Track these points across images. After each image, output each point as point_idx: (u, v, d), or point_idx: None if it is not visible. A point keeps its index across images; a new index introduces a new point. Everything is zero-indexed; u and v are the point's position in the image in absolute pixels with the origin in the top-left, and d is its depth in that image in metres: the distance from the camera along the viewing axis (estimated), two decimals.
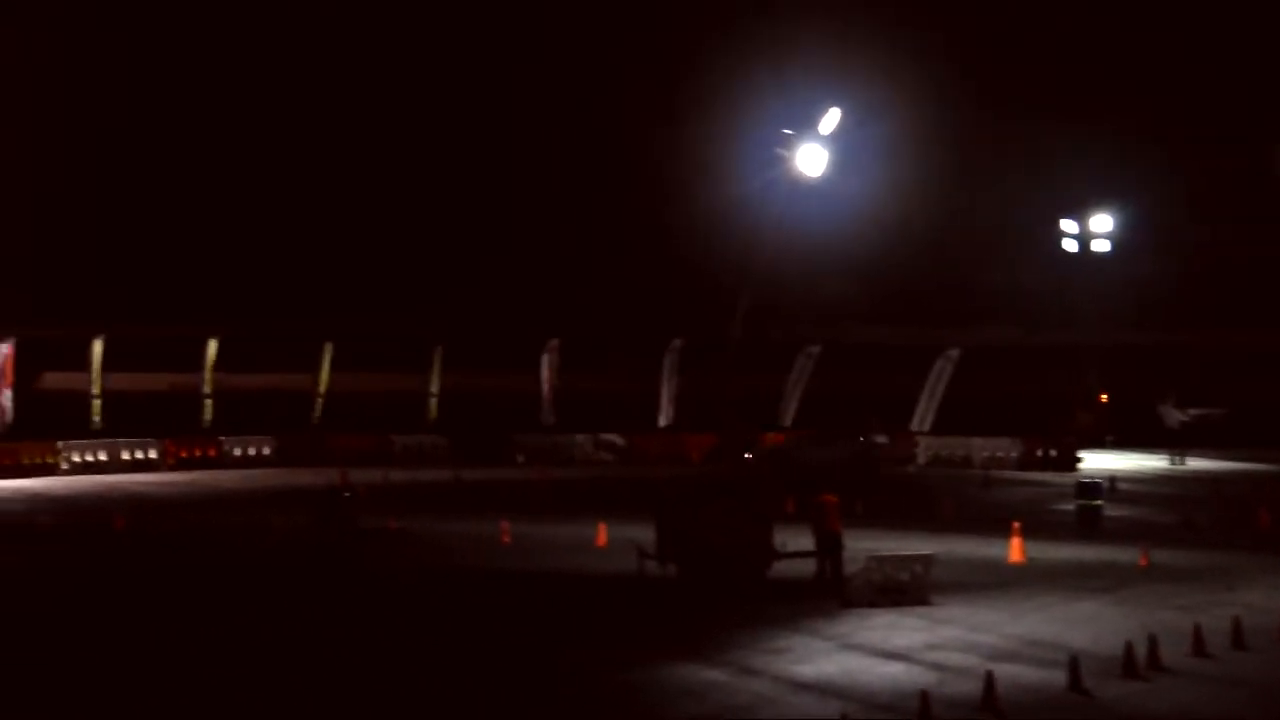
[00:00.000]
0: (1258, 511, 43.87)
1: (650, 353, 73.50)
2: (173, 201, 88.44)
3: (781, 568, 33.15)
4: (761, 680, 23.74)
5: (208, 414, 70.90)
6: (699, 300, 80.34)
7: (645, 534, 33.60)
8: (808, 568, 32.90)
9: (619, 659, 25.35)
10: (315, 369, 73.14)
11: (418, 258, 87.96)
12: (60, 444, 61.08)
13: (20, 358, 66.43)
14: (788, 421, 71.62)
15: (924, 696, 20.93)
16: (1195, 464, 66.44)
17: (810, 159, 68.07)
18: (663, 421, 72.11)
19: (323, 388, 72.96)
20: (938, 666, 24.59)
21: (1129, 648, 24.29)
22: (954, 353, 69.92)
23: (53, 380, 79.93)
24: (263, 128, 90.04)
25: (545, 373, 71.85)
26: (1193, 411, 73.90)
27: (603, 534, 39.14)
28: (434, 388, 73.49)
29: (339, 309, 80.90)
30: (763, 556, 33.22)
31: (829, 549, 32.95)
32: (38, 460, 60.55)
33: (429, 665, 25.01)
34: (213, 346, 70.84)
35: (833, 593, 30.86)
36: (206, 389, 70.89)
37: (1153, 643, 24.79)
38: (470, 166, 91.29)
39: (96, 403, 67.28)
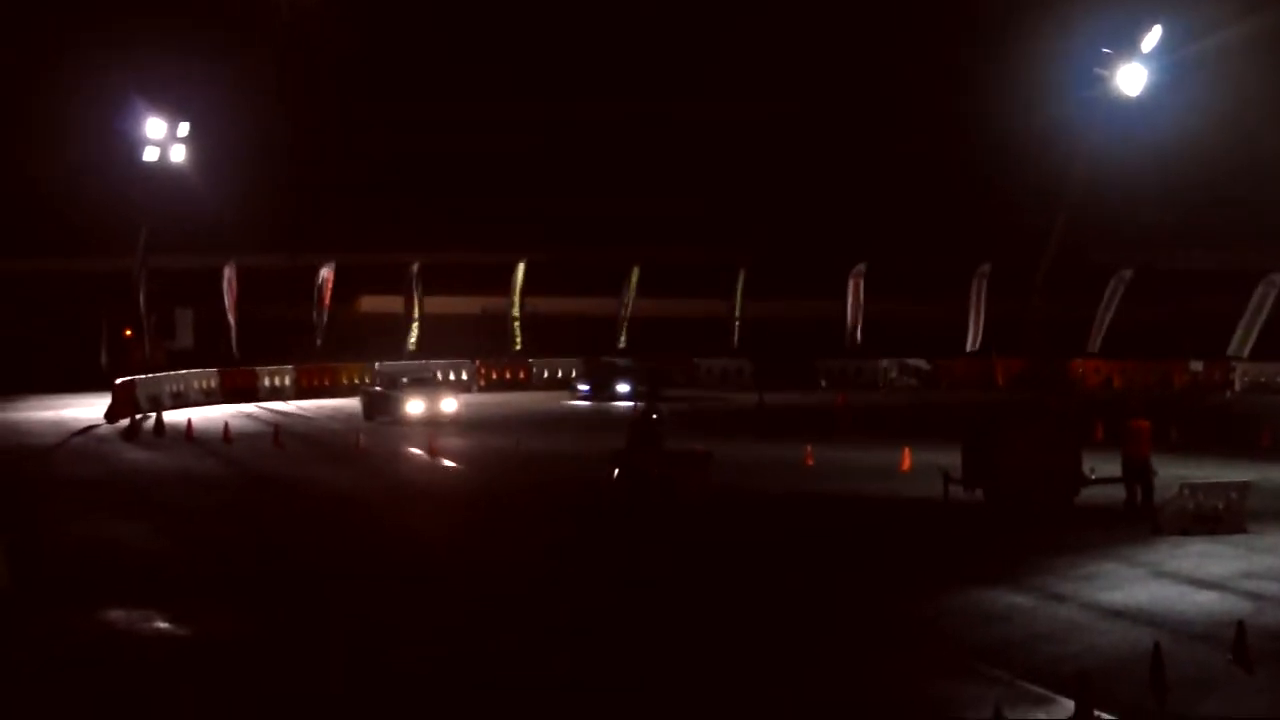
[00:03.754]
0: None
1: (958, 277, 72.54)
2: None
3: (1090, 494, 32.58)
4: (1069, 606, 23.40)
5: (517, 338, 72.31)
6: (1009, 224, 79.09)
7: (951, 459, 33.31)
8: (1117, 494, 32.25)
9: (926, 583, 25.26)
10: (621, 294, 73.95)
11: (724, 183, 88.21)
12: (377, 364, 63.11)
13: (339, 281, 68.63)
14: (1095, 348, 70.06)
15: (1240, 626, 20.37)
16: None
17: (1130, 78, 66.64)
18: (969, 346, 71.15)
19: (628, 312, 73.74)
20: (1254, 595, 23.94)
21: None
22: (1277, 277, 67.43)
23: (369, 304, 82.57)
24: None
25: (851, 297, 71.48)
26: None
27: (907, 458, 38.95)
28: (738, 312, 73.66)
29: (644, 235, 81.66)
30: (1070, 482, 32.68)
31: (1139, 475, 32.26)
32: (356, 380, 62.79)
33: (730, 588, 25.26)
34: (520, 271, 72.10)
35: (1143, 520, 30.22)
36: (515, 311, 72.25)
37: None
38: (779, 93, 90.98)
39: (413, 325, 69.12)
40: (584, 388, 62.68)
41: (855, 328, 71.24)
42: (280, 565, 27.30)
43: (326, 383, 63.03)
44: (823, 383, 67.34)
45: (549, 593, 24.84)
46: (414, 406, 52.29)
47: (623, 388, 60.74)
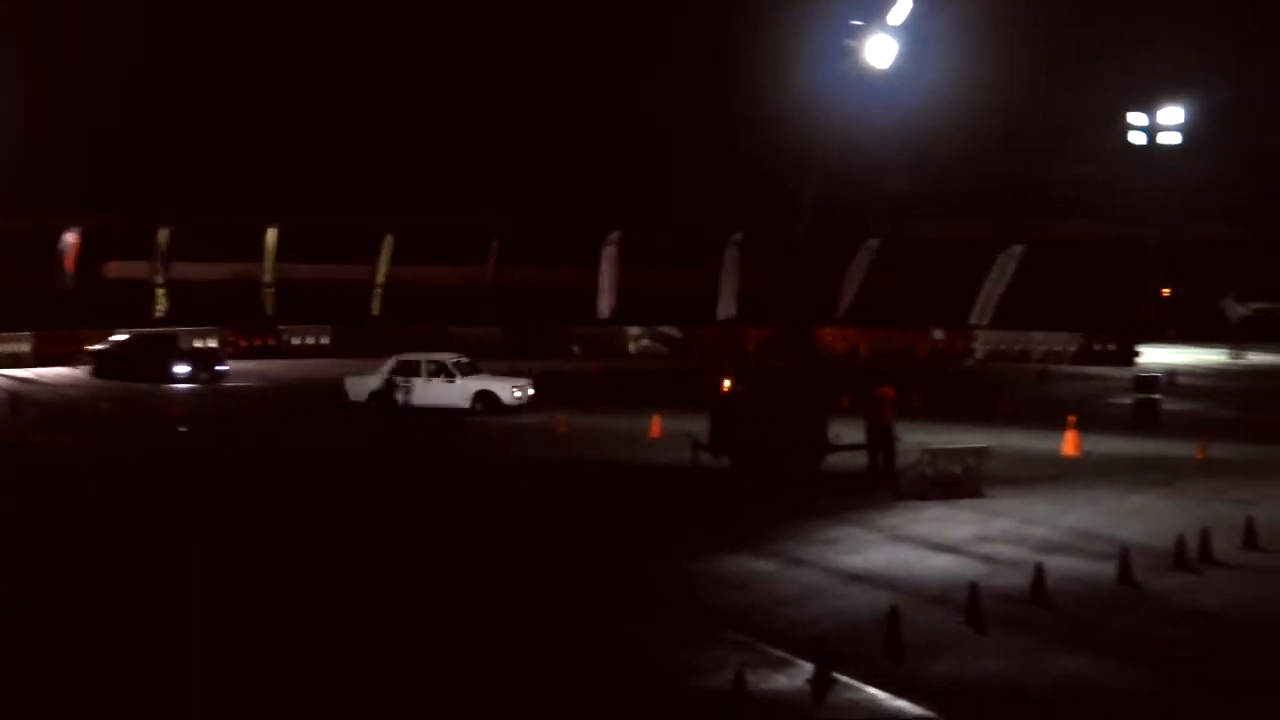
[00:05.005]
0: None
1: (711, 246, 73.32)
2: (236, 91, 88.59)
3: (835, 460, 33.20)
4: (811, 571, 23.80)
5: (268, 304, 71.26)
6: (762, 194, 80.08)
7: (699, 426, 33.66)
8: (861, 461, 32.93)
9: (669, 549, 25.48)
10: (374, 260, 73.33)
11: (478, 152, 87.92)
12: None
13: (85, 246, 66.85)
14: (842, 315, 71.44)
15: (973, 588, 20.94)
16: (1255, 358, 65.97)
17: (879, 50, 67.76)
18: (721, 314, 72.00)
19: (382, 279, 73.15)
20: (988, 559, 24.61)
21: (1180, 540, 24.25)
22: (1017, 248, 69.40)
23: (117, 269, 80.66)
24: (327, 21, 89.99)
25: (605, 265, 71.79)
26: (1254, 306, 73.40)
27: (657, 426, 39.26)
28: (491, 279, 73.57)
29: (399, 202, 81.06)
30: (816, 449, 33.26)
31: (882, 442, 32.97)
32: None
33: (478, 554, 25.18)
34: (272, 236, 71.06)
35: (885, 485, 30.89)
36: (267, 279, 71.19)
37: (1204, 536, 24.75)
38: (534, 61, 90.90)
39: (160, 291, 67.63)
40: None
41: (609, 295, 71.62)
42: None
43: (69, 350, 61.20)
44: (576, 350, 67.53)
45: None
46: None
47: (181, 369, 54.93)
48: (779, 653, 18.97)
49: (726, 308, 72.09)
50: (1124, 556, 23.30)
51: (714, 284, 72.23)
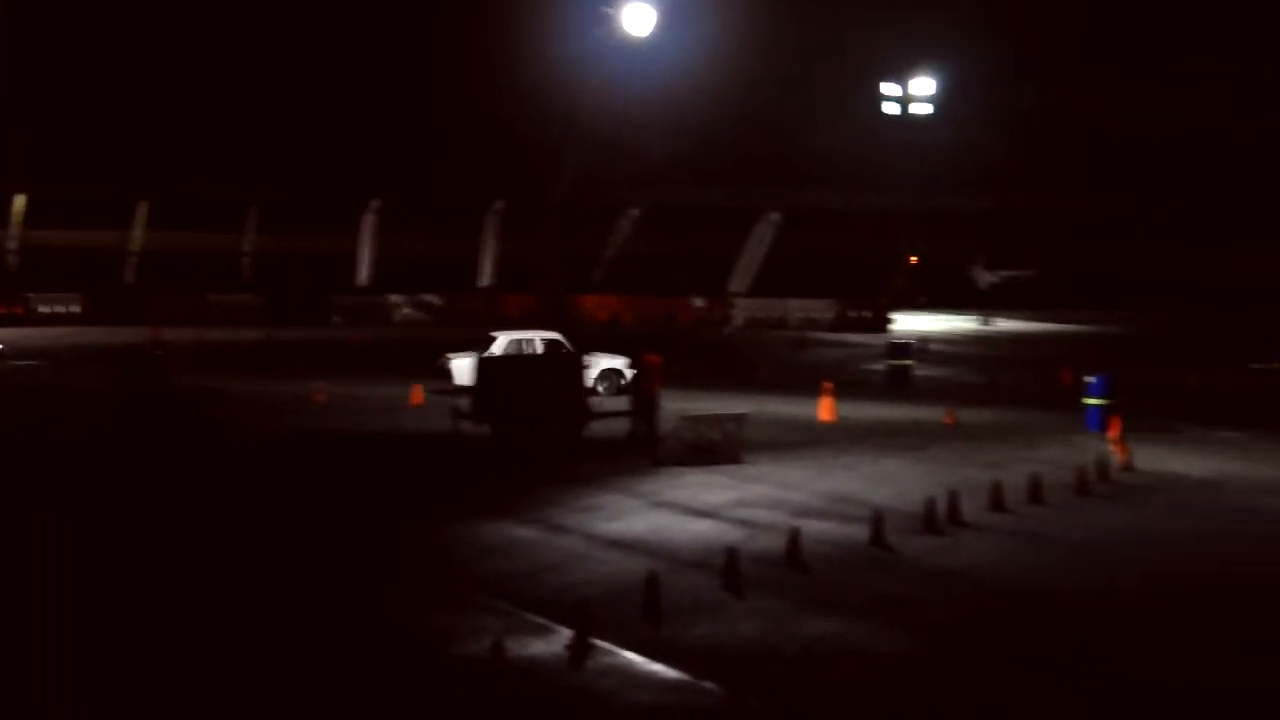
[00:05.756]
0: (1060, 371, 44.94)
1: (474, 214, 73.11)
2: None
3: (597, 427, 33.38)
4: (572, 538, 23.90)
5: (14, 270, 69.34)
6: (524, 162, 80.00)
7: (461, 394, 33.57)
8: (623, 427, 33.15)
9: (430, 517, 25.39)
10: (128, 227, 71.68)
11: (236, 117, 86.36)
12: None
13: None
14: (602, 283, 71.83)
15: (731, 553, 21.22)
16: (1003, 325, 67.81)
17: (637, 18, 68.01)
18: (482, 282, 71.86)
19: (136, 246, 71.53)
20: (745, 523, 24.95)
21: (930, 503, 24.87)
22: (774, 216, 70.38)
23: None
24: None
25: (365, 233, 71.13)
26: (1002, 273, 75.51)
27: (418, 394, 39.05)
28: (249, 247, 72.40)
29: (154, 168, 79.31)
30: (577, 415, 33.41)
31: (645, 408, 33.23)
32: None
33: (235, 525, 24.82)
34: (21, 202, 69.05)
35: (646, 452, 31.13)
36: (13, 245, 69.20)
37: (953, 498, 25.41)
38: (290, 26, 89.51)
39: None
40: None
41: (369, 264, 71.02)
42: None
43: None
44: (336, 318, 66.85)
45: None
46: None
47: None
48: (538, 619, 19.03)
49: (487, 275, 71.96)
50: (877, 519, 23.82)
51: (476, 252, 72.06)
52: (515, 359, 37.96)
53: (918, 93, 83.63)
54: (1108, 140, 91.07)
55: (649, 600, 19.33)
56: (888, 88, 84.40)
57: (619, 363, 41.84)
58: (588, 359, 40.33)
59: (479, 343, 42.03)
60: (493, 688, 16.31)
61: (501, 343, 41.60)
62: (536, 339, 41.91)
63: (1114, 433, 31.74)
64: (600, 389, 40.58)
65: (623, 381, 41.00)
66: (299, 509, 26.16)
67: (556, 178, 74.67)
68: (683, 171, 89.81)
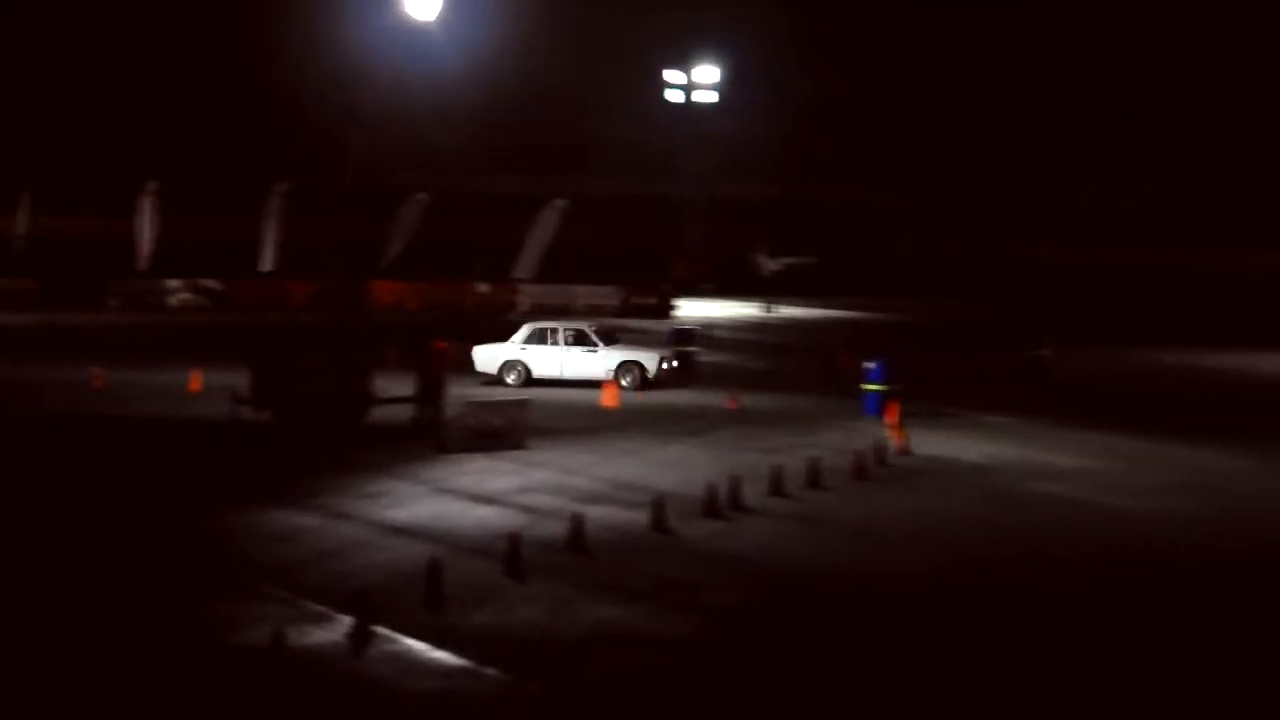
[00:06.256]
0: (839, 357, 45.68)
1: (256, 197, 72.06)
2: None
3: (381, 414, 33.19)
4: (355, 525, 23.77)
5: None
6: (308, 144, 79.11)
7: (241, 380, 33.16)
8: (407, 414, 33.01)
9: (210, 505, 25.06)
10: None
11: (4, 96, 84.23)
12: None
13: None
14: (389, 269, 71.30)
15: (513, 538, 21.28)
16: (786, 311, 68.76)
17: (423, 2, 67.41)
18: (264, 267, 70.87)
19: None
20: (529, 509, 25.01)
21: (711, 488, 25.16)
22: (560, 203, 70.47)
23: None
24: None
25: (143, 215, 69.67)
26: (784, 260, 76.53)
27: (197, 380, 38.47)
28: (22, 230, 70.59)
29: None
30: (360, 402, 33.19)
31: (429, 395, 33.11)
32: None
33: (11, 512, 24.29)
34: None
35: (430, 438, 31.04)
36: None
37: (735, 483, 25.73)
38: (61, 3, 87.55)
39: None
40: None
41: (148, 246, 69.61)
42: None
43: None
44: (113, 303, 65.49)
45: None
46: None
47: None
48: (319, 607, 18.92)
49: (270, 260, 70.99)
50: (658, 504, 24.04)
51: (258, 235, 71.07)
52: (296, 343, 37.46)
53: (702, 80, 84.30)
54: (890, 127, 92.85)
55: (431, 587, 19.34)
56: (672, 75, 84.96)
57: (642, 355, 41.03)
58: (605, 350, 40.67)
59: (502, 331, 42.39)
60: (272, 677, 16.19)
61: (524, 332, 41.44)
62: (561, 329, 41.46)
63: (892, 418, 32.38)
64: (624, 382, 39.99)
65: (647, 375, 40.34)
66: (72, 497, 25.65)
67: (341, 162, 73.83)
68: (471, 158, 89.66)
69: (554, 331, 41.27)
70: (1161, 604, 20.33)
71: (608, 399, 37.48)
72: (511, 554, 21.01)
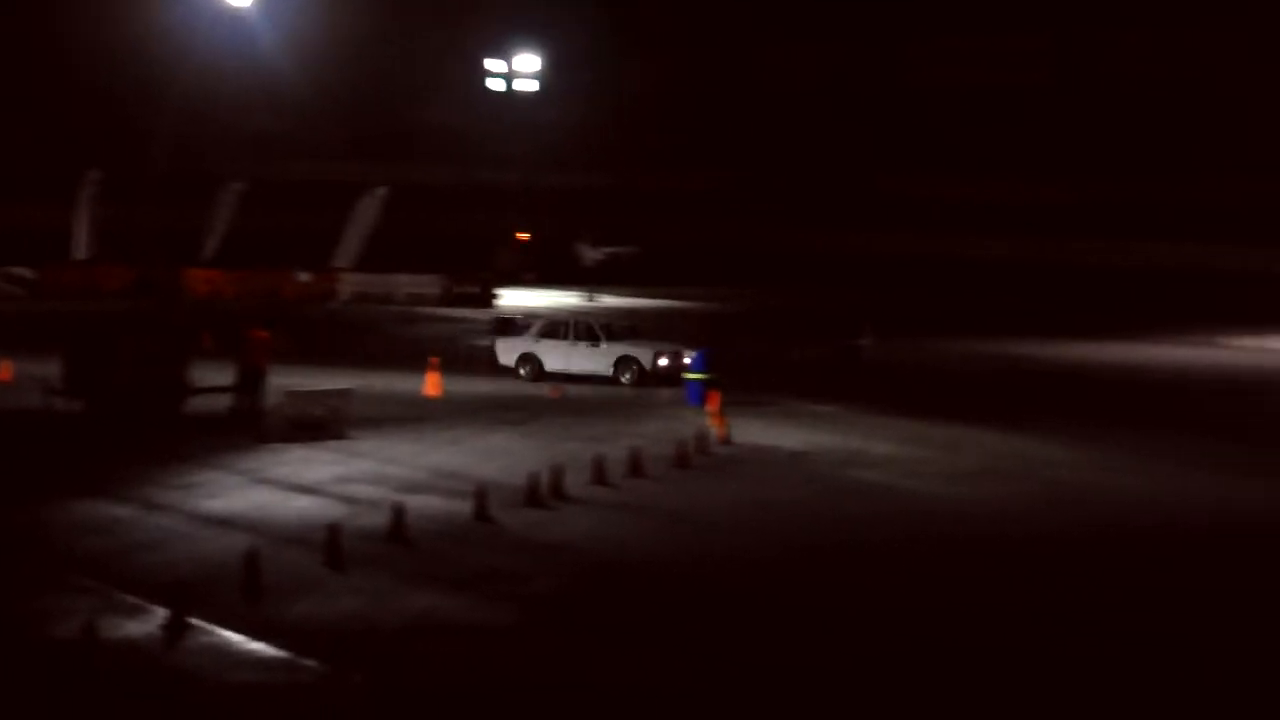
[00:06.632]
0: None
1: (69, 184, 70.64)
2: None
3: (198, 404, 32.72)
4: (171, 515, 23.45)
5: None
6: (120, 131, 77.74)
7: (54, 369, 32.51)
8: (225, 404, 32.60)
9: (19, 496, 24.55)
10: None
11: None
12: None
13: None
14: (208, 257, 70.35)
15: (333, 528, 21.13)
16: (607, 300, 68.95)
17: None
18: (77, 254, 69.56)
19: None
20: (349, 499, 24.84)
21: (534, 477, 25.17)
22: (381, 191, 69.98)
23: None
24: None
25: None
26: (606, 250, 76.75)
27: (7, 369, 37.62)
28: None
29: None
30: (177, 392, 32.69)
31: (248, 384, 32.72)
32: None
33: None
34: None
35: (249, 428, 30.68)
36: None
37: (557, 473, 25.76)
38: None
39: None
40: None
41: None
42: None
43: None
44: None
45: None
46: None
47: None
48: (134, 599, 18.65)
49: (83, 248, 69.70)
50: (480, 494, 24.01)
51: (70, 222, 69.73)
52: (111, 331, 36.75)
53: (523, 69, 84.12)
54: (714, 116, 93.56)
55: (248, 578, 19.15)
56: (492, 64, 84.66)
57: (639, 350, 40.43)
58: (605, 346, 40.18)
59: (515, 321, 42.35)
60: (85, 669, 15.91)
61: (540, 325, 41.30)
62: (571, 323, 41.36)
63: (713, 406, 32.61)
64: (624, 379, 39.70)
65: (645, 370, 39.79)
66: None
67: (152, 149, 72.67)
68: (288, 145, 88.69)
69: (565, 325, 41.38)
70: (979, 593, 20.72)
71: (430, 388, 37.31)
72: (331, 544, 20.85)
